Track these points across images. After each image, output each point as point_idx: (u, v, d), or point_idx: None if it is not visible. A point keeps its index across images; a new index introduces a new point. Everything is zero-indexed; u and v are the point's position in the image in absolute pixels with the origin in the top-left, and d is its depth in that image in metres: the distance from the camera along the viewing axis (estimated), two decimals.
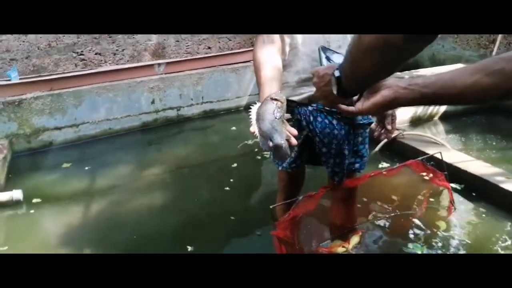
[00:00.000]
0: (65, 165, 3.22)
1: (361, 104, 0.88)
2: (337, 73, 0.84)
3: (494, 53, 3.94)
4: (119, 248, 2.22)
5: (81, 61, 3.81)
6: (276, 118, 1.04)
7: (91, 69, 3.82)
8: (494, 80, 0.70)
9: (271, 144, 1.02)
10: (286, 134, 1.04)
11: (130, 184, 2.94)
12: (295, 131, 1.07)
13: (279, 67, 1.35)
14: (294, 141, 1.05)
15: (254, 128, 1.06)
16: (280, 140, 1.02)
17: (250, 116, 1.10)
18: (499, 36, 3.91)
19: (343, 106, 0.94)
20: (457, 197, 2.35)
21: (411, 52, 0.68)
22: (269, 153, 3.04)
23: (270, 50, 1.37)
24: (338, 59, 1.12)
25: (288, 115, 1.13)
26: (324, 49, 1.12)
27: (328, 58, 1.14)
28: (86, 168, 3.17)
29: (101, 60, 3.86)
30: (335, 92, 0.86)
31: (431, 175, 2.23)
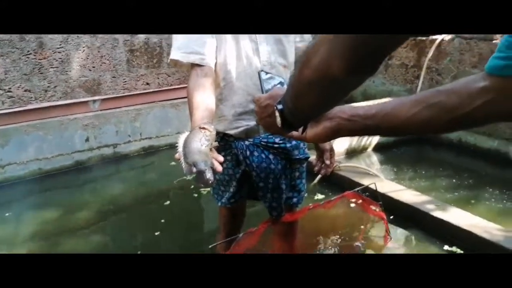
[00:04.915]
0: None
1: (305, 134, 0.87)
2: (280, 106, 0.81)
3: (419, 87, 4.23)
4: None
5: (8, 98, 3.59)
6: (202, 145, 1.07)
7: (19, 106, 3.61)
8: (433, 113, 0.70)
9: (194, 170, 1.03)
10: (211, 162, 1.06)
11: (55, 230, 2.73)
12: (221, 158, 1.09)
13: (210, 98, 1.35)
14: (219, 168, 1.06)
15: (179, 155, 1.09)
16: (203, 166, 1.03)
17: (177, 144, 1.13)
18: (423, 72, 4.22)
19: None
20: (391, 226, 2.43)
21: (352, 85, 0.66)
22: (208, 189, 3.00)
23: (203, 83, 1.38)
24: (277, 82, 1.11)
25: (216, 144, 1.15)
26: (264, 73, 1.11)
27: (272, 88, 1.11)
28: (9, 213, 2.93)
29: (31, 97, 3.67)
30: (279, 125, 0.83)
31: (367, 205, 2.29)
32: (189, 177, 3.39)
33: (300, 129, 0.87)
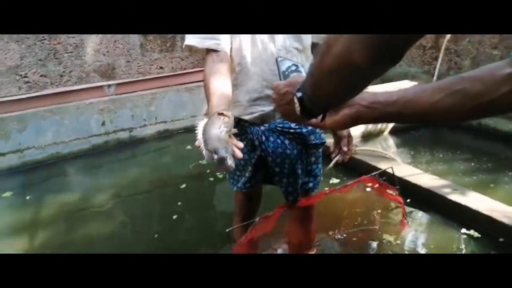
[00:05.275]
0: (6, 194, 3.02)
1: (324, 121, 0.85)
2: (299, 94, 0.80)
3: (436, 69, 4.14)
4: None
5: (25, 83, 3.63)
6: (221, 132, 1.07)
7: (36, 91, 3.65)
8: (456, 100, 0.68)
9: (215, 157, 1.03)
10: (231, 148, 1.05)
11: (76, 213, 2.78)
12: (241, 144, 1.08)
13: (227, 84, 1.34)
14: (239, 154, 1.05)
15: (199, 142, 1.08)
16: (224, 153, 1.03)
17: (197, 131, 1.12)
18: (441, 54, 4.12)
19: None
20: (408, 210, 2.41)
21: (375, 74, 0.64)
22: (223, 173, 3.01)
23: (219, 68, 1.37)
24: (291, 64, 1.10)
25: (235, 130, 1.14)
26: (282, 60, 1.10)
27: (287, 70, 1.11)
28: (30, 196, 2.99)
29: (47, 82, 3.70)
30: (298, 113, 0.82)
31: (383, 190, 2.28)
32: (205, 162, 3.41)
33: (319, 117, 0.85)
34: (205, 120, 1.13)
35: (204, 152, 1.06)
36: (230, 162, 1.03)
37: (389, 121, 0.81)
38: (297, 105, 0.81)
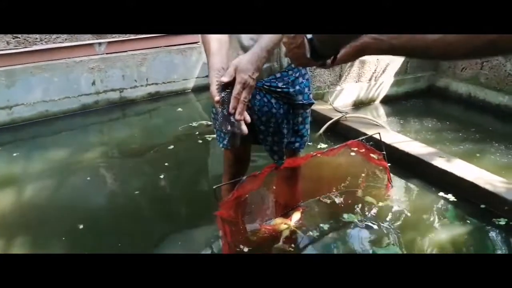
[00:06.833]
0: None
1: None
2: (309, 36, 0.83)
3: None
4: (46, 240, 2.09)
5: (13, 38, 3.55)
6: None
7: (25, 47, 3.58)
8: (460, 36, 0.70)
9: (229, 128, 1.10)
10: (241, 126, 1.12)
11: (63, 169, 2.77)
12: (248, 118, 1.13)
13: (226, 37, 1.34)
14: (245, 131, 1.11)
15: (218, 98, 1.14)
16: (236, 129, 1.10)
17: (217, 87, 1.16)
18: None
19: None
20: (394, 175, 2.45)
21: None
22: (213, 135, 3.01)
23: None
24: None
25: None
26: None
27: None
28: (17, 153, 2.98)
29: (36, 38, 3.62)
30: (308, 55, 0.84)
31: (370, 154, 2.30)
32: (195, 124, 3.42)
33: (329, 61, 0.88)
34: (223, 72, 1.18)
35: (219, 119, 1.14)
36: (239, 140, 1.12)
37: (393, 54, 0.85)
38: (307, 46, 0.83)
